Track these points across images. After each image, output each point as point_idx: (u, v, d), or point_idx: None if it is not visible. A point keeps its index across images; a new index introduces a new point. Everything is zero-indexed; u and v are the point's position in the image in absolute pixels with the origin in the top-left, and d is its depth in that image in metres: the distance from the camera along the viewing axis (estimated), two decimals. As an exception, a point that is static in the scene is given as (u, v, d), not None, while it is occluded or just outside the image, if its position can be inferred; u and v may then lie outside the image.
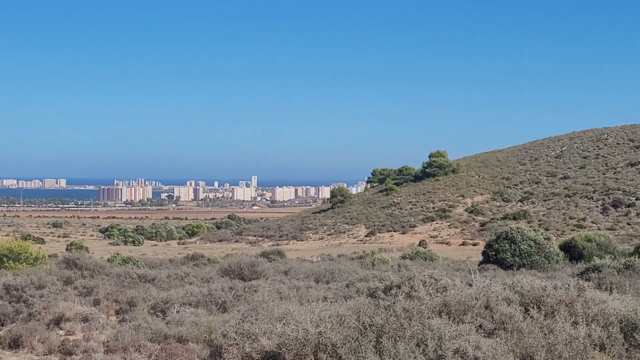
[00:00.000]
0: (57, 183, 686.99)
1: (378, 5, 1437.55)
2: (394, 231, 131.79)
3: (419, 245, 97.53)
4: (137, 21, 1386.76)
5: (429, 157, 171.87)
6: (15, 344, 17.12)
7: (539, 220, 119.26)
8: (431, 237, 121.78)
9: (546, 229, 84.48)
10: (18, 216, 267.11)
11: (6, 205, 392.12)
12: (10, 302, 22.94)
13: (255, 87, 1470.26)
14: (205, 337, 16.50)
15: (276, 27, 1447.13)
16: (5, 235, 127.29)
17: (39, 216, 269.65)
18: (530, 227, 63.72)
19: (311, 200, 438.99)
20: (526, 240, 40.56)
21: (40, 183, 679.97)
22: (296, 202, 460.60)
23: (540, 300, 13.83)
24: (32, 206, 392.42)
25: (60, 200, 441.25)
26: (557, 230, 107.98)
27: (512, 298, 13.93)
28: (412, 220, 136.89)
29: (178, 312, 19.25)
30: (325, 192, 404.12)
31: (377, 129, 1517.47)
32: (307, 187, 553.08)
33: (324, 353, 12.54)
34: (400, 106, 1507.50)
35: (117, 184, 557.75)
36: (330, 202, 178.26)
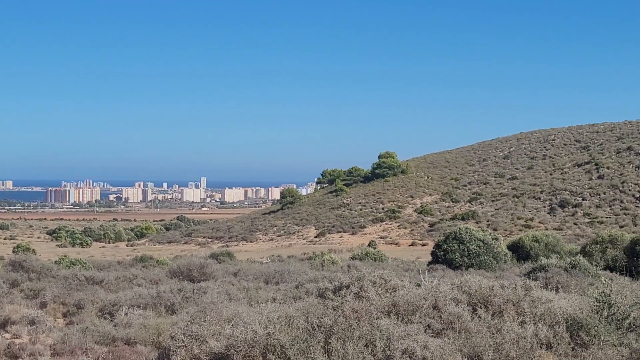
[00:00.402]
0: (3, 185, 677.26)
1: (323, 7, 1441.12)
2: (344, 232, 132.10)
3: (369, 245, 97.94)
4: (88, 22, 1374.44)
5: (379, 158, 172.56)
6: (-41, 348, 16.88)
7: (487, 221, 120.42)
8: (381, 237, 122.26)
9: (494, 229, 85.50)
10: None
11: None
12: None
13: (202, 89, 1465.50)
14: (153, 339, 16.40)
15: (223, 28, 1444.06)
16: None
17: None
18: (479, 227, 64.41)
19: (261, 202, 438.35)
20: (474, 240, 40.90)
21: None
22: (246, 203, 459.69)
23: (488, 300, 13.96)
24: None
25: (6, 201, 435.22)
26: (505, 230, 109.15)
27: (460, 298, 14.04)
28: (362, 221, 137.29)
29: (126, 314, 19.10)
30: (275, 193, 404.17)
31: (327, 130, 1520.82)
32: (257, 188, 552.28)
33: (273, 354, 12.53)
34: (349, 107, 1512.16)
35: (64, 186, 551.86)
36: (280, 203, 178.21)
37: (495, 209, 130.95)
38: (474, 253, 40.48)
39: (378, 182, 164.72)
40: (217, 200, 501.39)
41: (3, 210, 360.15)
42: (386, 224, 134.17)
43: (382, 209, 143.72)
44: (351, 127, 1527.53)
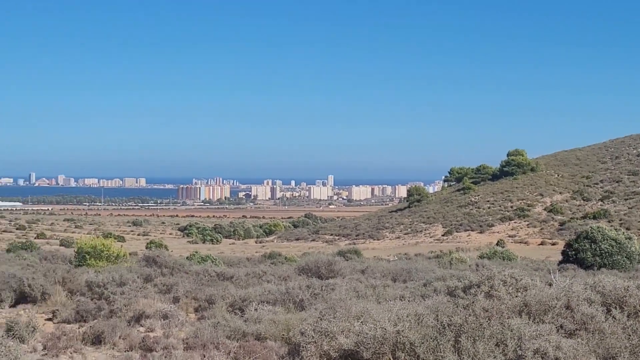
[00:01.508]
0: (137, 182, 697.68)
1: (456, 11, 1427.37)
2: (472, 230, 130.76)
3: (497, 244, 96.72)
4: (214, 21, 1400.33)
5: (507, 155, 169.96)
6: (97, 340, 17.39)
7: (620, 220, 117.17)
8: (509, 236, 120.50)
9: (627, 229, 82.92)
10: (99, 215, 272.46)
11: (88, 204, 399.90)
12: (92, 299, 23.35)
13: (332, 87, 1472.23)
14: (283, 335, 16.56)
15: (349, 28, 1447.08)
16: (87, 234, 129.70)
17: (119, 215, 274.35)
18: (611, 226, 62.66)
19: (388, 200, 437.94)
20: (607, 239, 39.89)
21: (121, 182, 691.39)
22: (373, 201, 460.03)
23: (623, 301, 13.55)
24: (112, 205, 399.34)
25: (140, 199, 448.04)
26: (639, 229, 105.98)
27: (593, 298, 13.68)
28: (490, 219, 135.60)
29: (256, 310, 19.34)
30: (402, 191, 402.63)
31: (455, 128, 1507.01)
32: (384, 186, 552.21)
33: (402, 352, 12.48)
34: (478, 105, 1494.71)
35: (195, 183, 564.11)
36: (407, 201, 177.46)
37: (629, 208, 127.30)
38: (606, 252, 39.48)
39: (507, 180, 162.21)
40: (344, 198, 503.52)
41: (137, 207, 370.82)
42: (515, 222, 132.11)
43: (511, 207, 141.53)
44: (480, 125, 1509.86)
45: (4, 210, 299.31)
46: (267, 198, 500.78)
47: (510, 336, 12.17)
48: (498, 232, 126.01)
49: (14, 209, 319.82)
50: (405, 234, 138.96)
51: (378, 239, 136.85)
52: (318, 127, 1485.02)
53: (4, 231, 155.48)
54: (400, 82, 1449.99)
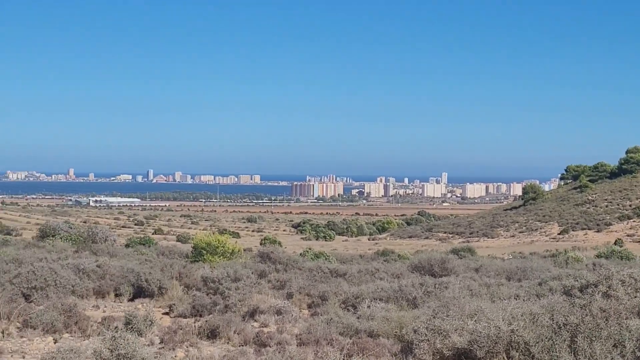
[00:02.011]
0: (251, 179, 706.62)
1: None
2: (588, 229, 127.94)
3: (615, 244, 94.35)
4: (335, 19, 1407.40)
5: (626, 153, 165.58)
6: (212, 335, 17.68)
7: None
8: (628, 235, 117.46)
9: None
10: (215, 211, 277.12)
11: (204, 200, 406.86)
12: (207, 294, 23.73)
13: (444, 84, 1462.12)
14: (395, 332, 16.52)
15: (456, 27, 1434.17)
16: (203, 230, 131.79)
17: (234, 211, 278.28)
18: None
19: (502, 197, 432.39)
20: None
21: (236, 179, 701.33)
22: (487, 199, 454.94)
23: None
24: (228, 201, 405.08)
25: (254, 195, 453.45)
26: None
27: None
28: (608, 218, 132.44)
29: (369, 307, 19.35)
30: (517, 189, 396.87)
31: (571, 124, 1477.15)
32: (498, 183, 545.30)
33: (517, 351, 12.32)
34: (594, 101, 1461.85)
35: (309, 180, 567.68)
36: (522, 199, 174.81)
37: None
38: None
39: (625, 178, 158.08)
40: (458, 195, 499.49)
41: (251, 204, 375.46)
42: (634, 221, 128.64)
43: (630, 205, 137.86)
44: (596, 122, 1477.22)
45: (123, 206, 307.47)
46: (380, 195, 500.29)
47: (629, 337, 11.88)
48: (616, 231, 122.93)
49: (133, 205, 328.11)
50: (520, 232, 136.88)
51: (492, 237, 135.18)
52: (432, 124, 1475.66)
53: (122, 227, 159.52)
54: (516, 79, 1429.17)
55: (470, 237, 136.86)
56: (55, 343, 16.59)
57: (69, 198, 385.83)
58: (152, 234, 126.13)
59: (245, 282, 24.51)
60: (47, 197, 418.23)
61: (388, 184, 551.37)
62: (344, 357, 13.52)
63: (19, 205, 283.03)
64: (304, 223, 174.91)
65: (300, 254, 48.24)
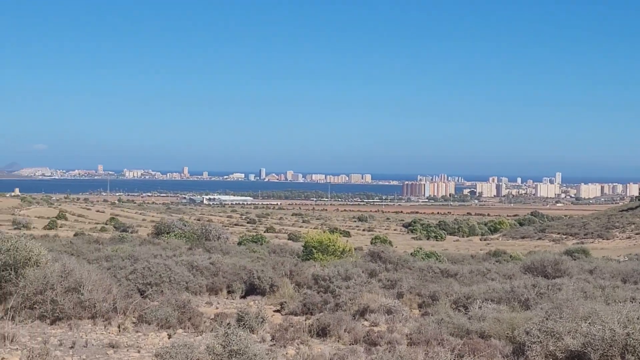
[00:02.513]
0: (362, 178, 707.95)
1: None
2: None
3: None
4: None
5: None
6: (323, 333, 17.77)
7: None
8: None
9: None
10: (326, 210, 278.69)
11: (315, 199, 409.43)
12: (318, 292, 23.86)
13: (560, 86, 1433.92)
14: (507, 333, 16.32)
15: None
16: (314, 228, 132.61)
17: (345, 210, 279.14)
18: None
19: (618, 198, 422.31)
20: None
21: (347, 178, 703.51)
22: (602, 199, 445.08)
23: None
24: (338, 200, 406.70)
25: (365, 194, 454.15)
26: None
27: None
28: None
29: (480, 307, 19.17)
30: (634, 190, 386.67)
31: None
32: (614, 184, 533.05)
33: (632, 355, 12.04)
34: None
35: (420, 180, 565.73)
36: (639, 199, 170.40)
37: None
38: None
39: None
40: (572, 196, 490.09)
41: (362, 203, 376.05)
42: None
43: None
44: None
45: (236, 204, 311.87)
46: (492, 195, 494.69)
47: None
48: None
49: (245, 203, 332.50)
50: (637, 234, 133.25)
51: (607, 239, 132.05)
52: (546, 124, 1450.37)
53: (235, 224, 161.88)
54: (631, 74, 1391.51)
55: (584, 238, 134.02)
56: (169, 338, 16.93)
57: (183, 196, 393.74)
58: (264, 232, 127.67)
59: (356, 281, 24.56)
60: (162, 195, 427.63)
61: (500, 183, 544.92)
62: (455, 357, 13.42)
63: (135, 203, 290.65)
64: (414, 222, 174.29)
65: (411, 254, 48.08)
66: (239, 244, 59.76)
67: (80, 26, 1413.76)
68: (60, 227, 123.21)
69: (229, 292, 26.21)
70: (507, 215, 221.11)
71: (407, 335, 17.29)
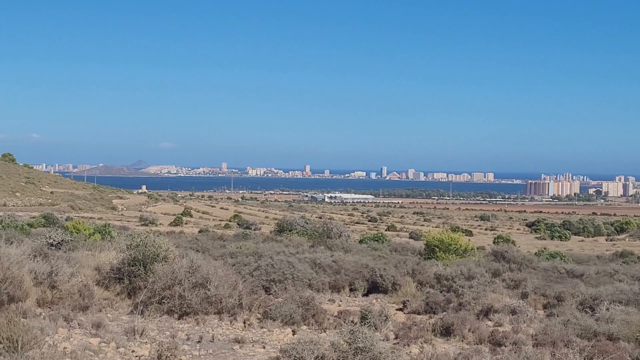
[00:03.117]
0: (485, 177, 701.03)
1: None
2: None
3: None
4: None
5: None
6: (446, 332, 17.67)
7: None
8: None
9: None
10: (447, 208, 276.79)
11: (436, 197, 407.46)
12: (441, 291, 23.76)
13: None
14: (637, 336, 15.92)
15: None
16: (435, 227, 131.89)
17: (466, 209, 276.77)
18: None
19: None
20: None
21: (469, 177, 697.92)
22: None
23: None
24: (460, 199, 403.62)
25: (487, 193, 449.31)
26: None
27: None
28: None
29: (607, 309, 18.75)
30: None
31: None
32: None
33: None
34: None
35: (544, 179, 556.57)
36: None
37: None
38: None
39: None
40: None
41: (484, 202, 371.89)
42: None
43: None
44: None
45: (357, 202, 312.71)
46: (618, 195, 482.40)
47: None
48: None
49: (366, 201, 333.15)
50: None
51: None
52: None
53: (356, 222, 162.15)
54: None
55: None
56: (293, 334, 17.11)
57: (305, 194, 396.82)
58: (385, 230, 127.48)
59: (479, 280, 24.36)
60: (284, 192, 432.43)
61: (627, 183, 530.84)
62: (583, 359, 13.16)
63: (257, 200, 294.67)
64: (538, 222, 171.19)
65: (535, 254, 47.32)
66: (360, 242, 59.77)
67: (212, 26, 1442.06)
68: (185, 223, 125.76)
69: (351, 290, 26.31)
70: (635, 215, 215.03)
71: (532, 336, 17.05)
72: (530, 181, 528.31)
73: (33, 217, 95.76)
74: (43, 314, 17.66)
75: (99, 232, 43.60)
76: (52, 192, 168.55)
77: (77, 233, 39.50)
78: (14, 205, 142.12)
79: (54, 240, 28.53)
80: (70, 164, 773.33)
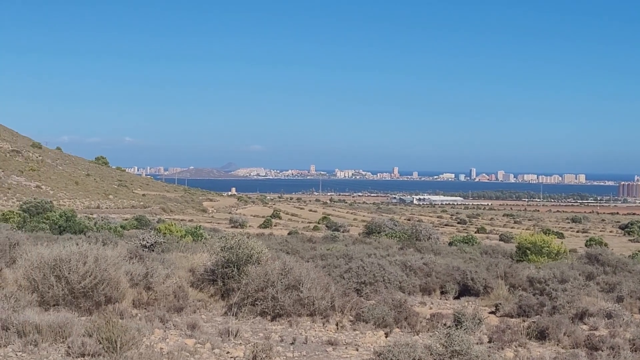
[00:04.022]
0: (576, 178, 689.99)
1: None
2: None
3: None
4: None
5: None
6: (541, 336, 17.46)
7: None
8: None
9: None
10: (537, 210, 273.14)
11: (526, 199, 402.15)
12: (534, 295, 23.47)
13: None
14: None
15: None
16: (526, 229, 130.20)
17: (557, 211, 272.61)
18: None
19: None
20: None
21: (560, 178, 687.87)
22: None
23: None
24: (551, 201, 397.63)
25: (579, 195, 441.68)
26: None
27: None
28: None
29: None
30: None
31: None
32: None
33: None
34: None
35: (637, 180, 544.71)
36: None
37: None
38: None
39: None
40: None
41: (575, 204, 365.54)
42: None
43: None
44: None
45: (446, 204, 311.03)
46: None
47: None
48: None
49: (455, 203, 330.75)
50: None
51: None
52: None
53: (445, 225, 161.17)
54: None
55: None
56: (386, 337, 17.11)
57: (393, 196, 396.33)
58: (475, 232, 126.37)
59: (573, 283, 23.97)
60: (372, 194, 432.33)
61: None
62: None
63: (346, 202, 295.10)
64: (631, 224, 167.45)
65: (629, 257, 46.40)
66: (450, 244, 59.47)
67: (302, 26, 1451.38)
68: (274, 225, 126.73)
69: (441, 292, 26.18)
70: None
71: (629, 341, 16.72)
72: (623, 182, 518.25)
73: (125, 219, 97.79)
74: (139, 315, 18.02)
75: (191, 234, 44.28)
76: (143, 195, 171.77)
77: (169, 235, 40.18)
78: (107, 208, 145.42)
79: (147, 242, 29.07)
80: (162, 166, 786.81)
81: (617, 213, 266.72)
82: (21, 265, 18.67)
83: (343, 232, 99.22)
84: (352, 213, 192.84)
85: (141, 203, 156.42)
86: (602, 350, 15.74)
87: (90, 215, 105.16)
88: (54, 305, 17.53)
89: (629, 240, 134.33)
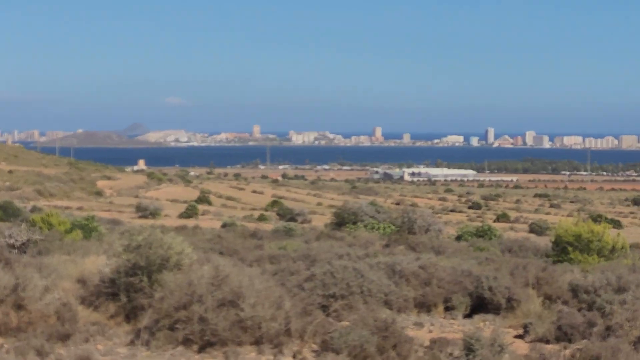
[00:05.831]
0: (638, 142, 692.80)
1: None
2: None
3: None
4: None
5: None
6: (591, 367, 17.66)
7: None
8: None
9: None
10: (584, 188, 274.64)
11: (568, 172, 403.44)
12: (579, 310, 23.65)
13: None
14: None
15: None
16: (568, 215, 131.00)
17: (612, 188, 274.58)
18: None
19: None
20: None
21: (616, 142, 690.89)
22: None
23: None
24: (603, 174, 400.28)
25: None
26: None
27: None
28: None
29: None
30: None
31: None
32: None
33: None
34: None
35: None
36: None
37: None
38: None
39: None
40: None
41: (638, 178, 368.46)
42: None
43: None
44: None
45: (451, 181, 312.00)
46: None
47: None
48: None
49: (466, 179, 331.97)
50: None
51: None
52: None
53: (451, 211, 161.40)
54: None
55: None
56: (366, 374, 17.21)
57: (375, 169, 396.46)
58: (494, 221, 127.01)
59: (635, 293, 24.22)
60: (344, 168, 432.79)
61: None
62: None
63: (306, 180, 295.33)
64: None
65: None
66: (458, 238, 59.94)
67: None
68: (202, 214, 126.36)
69: (446, 308, 26.32)
70: None
71: None
72: None
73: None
74: (6, 345, 17.97)
75: (81, 228, 44.19)
76: (10, 172, 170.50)
77: (48, 230, 40.05)
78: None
79: (16, 241, 28.94)
80: (36, 130, 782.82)
81: None
82: None
83: (302, 222, 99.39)
84: (315, 195, 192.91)
85: (7, 184, 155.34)
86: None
87: None
88: None
89: None
